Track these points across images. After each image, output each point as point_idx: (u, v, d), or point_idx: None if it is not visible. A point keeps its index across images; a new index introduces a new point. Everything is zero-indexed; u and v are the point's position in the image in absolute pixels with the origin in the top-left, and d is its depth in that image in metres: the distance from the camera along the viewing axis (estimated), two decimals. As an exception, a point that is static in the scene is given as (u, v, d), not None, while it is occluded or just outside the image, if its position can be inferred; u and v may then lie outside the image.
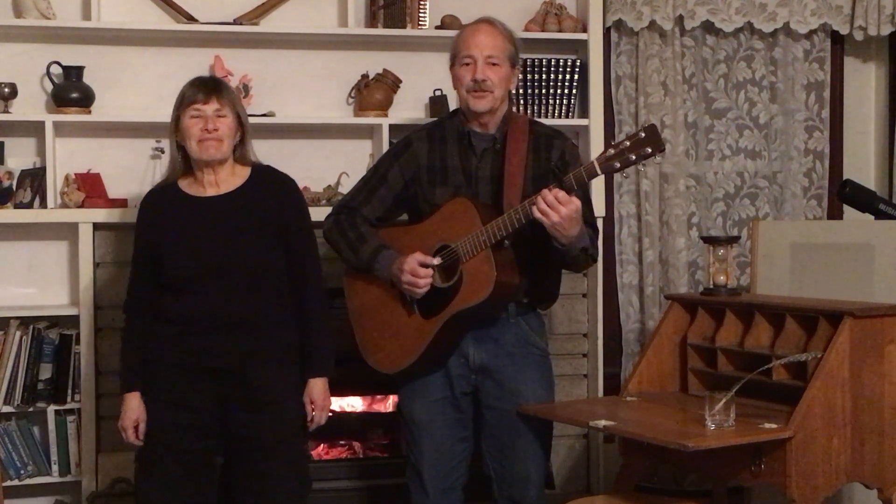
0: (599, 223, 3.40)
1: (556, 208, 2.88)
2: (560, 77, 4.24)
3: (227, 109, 3.09)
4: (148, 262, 3.11)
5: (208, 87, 3.10)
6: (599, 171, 2.89)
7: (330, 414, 3.22)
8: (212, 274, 3.04)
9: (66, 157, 3.98)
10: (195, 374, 3.04)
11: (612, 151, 2.88)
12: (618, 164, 2.87)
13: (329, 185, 4.09)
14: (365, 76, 4.18)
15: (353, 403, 4.26)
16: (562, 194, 2.88)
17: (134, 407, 3.09)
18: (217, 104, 3.08)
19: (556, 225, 2.90)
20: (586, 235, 3.06)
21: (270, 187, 3.16)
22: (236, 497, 3.14)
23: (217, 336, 3.03)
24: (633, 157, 2.85)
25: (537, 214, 2.90)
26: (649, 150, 2.85)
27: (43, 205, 3.88)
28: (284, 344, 3.11)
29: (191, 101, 3.08)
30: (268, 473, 3.06)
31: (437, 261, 3.07)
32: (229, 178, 3.13)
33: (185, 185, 3.15)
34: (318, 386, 3.15)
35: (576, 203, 2.90)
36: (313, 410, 3.14)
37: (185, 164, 3.15)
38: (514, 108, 3.82)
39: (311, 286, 3.16)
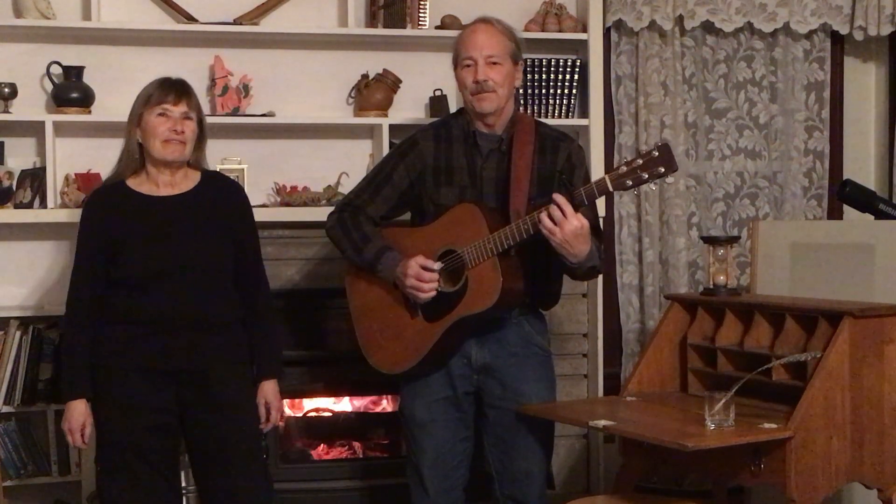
0: (599, 224, 3.39)
1: (561, 225, 2.87)
2: (560, 77, 4.24)
3: (193, 113, 3.09)
4: (99, 262, 3.05)
5: (179, 90, 3.09)
6: (611, 189, 2.88)
7: (281, 424, 3.27)
8: (172, 272, 3.02)
9: (66, 157, 3.98)
10: (154, 376, 3.00)
11: (624, 169, 2.86)
12: (630, 182, 2.85)
13: (329, 185, 4.09)
14: (365, 76, 4.18)
15: (354, 403, 4.26)
16: (568, 209, 2.86)
17: (81, 411, 3.04)
18: (185, 107, 3.07)
19: (562, 243, 2.90)
20: (595, 253, 3.04)
21: (222, 191, 3.18)
22: (204, 498, 3.15)
23: (177, 336, 3.01)
24: (646, 176, 2.83)
25: (544, 232, 2.90)
26: (662, 170, 2.83)
27: (43, 205, 3.88)
28: (240, 344, 3.13)
29: (159, 101, 3.06)
30: (236, 473, 3.06)
31: (437, 265, 3.05)
32: (183, 181, 3.13)
33: (136, 184, 3.11)
34: (270, 387, 3.18)
35: (583, 222, 2.88)
36: (269, 412, 3.17)
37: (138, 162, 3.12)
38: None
39: (261, 289, 3.20)
